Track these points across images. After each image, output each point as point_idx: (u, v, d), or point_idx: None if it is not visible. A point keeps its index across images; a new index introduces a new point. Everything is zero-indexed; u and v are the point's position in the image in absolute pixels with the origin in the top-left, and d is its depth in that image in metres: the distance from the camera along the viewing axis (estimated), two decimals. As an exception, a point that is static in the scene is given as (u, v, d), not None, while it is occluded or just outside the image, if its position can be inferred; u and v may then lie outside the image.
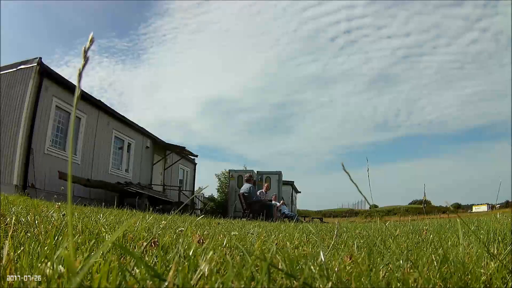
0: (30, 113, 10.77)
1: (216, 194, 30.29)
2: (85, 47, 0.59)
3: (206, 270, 0.84)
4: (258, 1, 69.45)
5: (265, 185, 14.65)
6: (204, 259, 0.98)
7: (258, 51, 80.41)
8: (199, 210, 19.74)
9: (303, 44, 78.66)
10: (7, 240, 1.13)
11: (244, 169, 22.15)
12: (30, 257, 1.01)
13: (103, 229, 1.97)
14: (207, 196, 29.10)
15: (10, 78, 11.24)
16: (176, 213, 4.73)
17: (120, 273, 0.77)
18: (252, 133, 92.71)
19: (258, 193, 12.86)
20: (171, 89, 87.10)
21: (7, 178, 10.47)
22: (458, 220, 1.56)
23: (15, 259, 1.00)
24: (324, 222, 11.15)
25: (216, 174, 31.13)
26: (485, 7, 62.69)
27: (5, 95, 11.09)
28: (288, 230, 3.37)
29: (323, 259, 1.00)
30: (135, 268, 0.86)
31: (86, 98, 13.26)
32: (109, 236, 1.78)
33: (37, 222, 1.84)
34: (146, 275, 0.78)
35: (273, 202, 13.84)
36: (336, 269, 1.02)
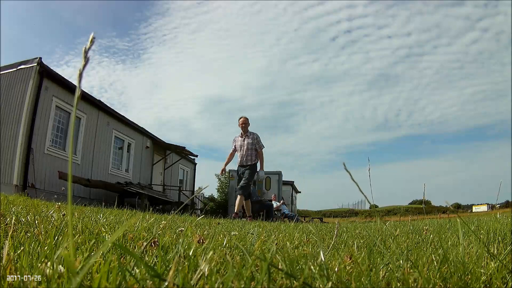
0: (30, 113, 10.77)
1: (216, 194, 30.30)
2: (85, 48, 0.59)
3: (206, 270, 0.84)
4: (258, 0, 69.50)
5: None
6: (204, 259, 0.98)
7: (258, 50, 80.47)
8: (199, 210, 19.74)
9: (304, 44, 78.80)
10: (7, 240, 1.13)
11: (244, 169, 22.11)
12: (30, 257, 1.01)
13: (103, 229, 1.97)
14: (207, 196, 29.11)
15: (10, 78, 11.24)
16: (176, 213, 4.73)
17: (120, 273, 0.77)
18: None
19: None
20: (171, 89, 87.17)
21: (7, 178, 10.47)
22: (458, 220, 1.56)
23: (15, 259, 1.00)
24: (324, 222, 11.14)
25: (216, 174, 31.18)
26: (486, 7, 62.86)
27: (5, 95, 11.09)
28: (288, 230, 3.37)
29: (323, 259, 1.00)
30: (135, 268, 0.86)
31: (86, 98, 13.26)
32: (109, 236, 1.78)
33: (37, 222, 1.84)
34: (146, 275, 0.78)
35: (273, 202, 13.85)
36: (336, 269, 1.02)
